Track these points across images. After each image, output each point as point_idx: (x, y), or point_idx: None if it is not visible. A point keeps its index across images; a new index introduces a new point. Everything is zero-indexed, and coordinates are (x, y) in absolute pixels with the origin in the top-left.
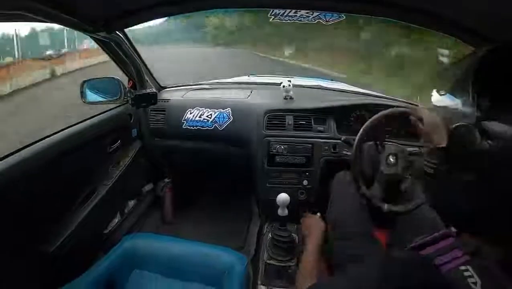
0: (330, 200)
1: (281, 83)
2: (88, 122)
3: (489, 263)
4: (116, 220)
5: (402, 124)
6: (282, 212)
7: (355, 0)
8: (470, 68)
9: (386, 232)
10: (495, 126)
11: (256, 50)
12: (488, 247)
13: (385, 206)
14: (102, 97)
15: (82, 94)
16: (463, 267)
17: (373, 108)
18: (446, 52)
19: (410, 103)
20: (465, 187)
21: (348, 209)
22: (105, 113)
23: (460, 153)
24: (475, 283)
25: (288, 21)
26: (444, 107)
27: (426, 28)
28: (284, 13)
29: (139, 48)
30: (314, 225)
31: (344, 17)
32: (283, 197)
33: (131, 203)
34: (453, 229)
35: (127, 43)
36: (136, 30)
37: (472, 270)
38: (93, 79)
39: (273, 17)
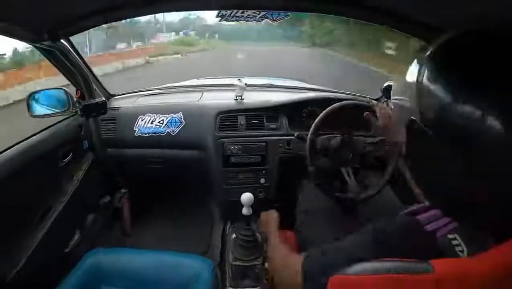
0: (297, 211)
1: (239, 80)
2: (37, 137)
3: (476, 232)
4: (76, 237)
5: (354, 116)
6: (247, 211)
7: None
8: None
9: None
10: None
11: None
12: (471, 217)
13: (363, 195)
14: (50, 109)
15: (29, 107)
16: (451, 236)
17: (323, 103)
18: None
19: (358, 96)
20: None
21: (320, 214)
22: (54, 126)
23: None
24: (462, 251)
25: (236, 21)
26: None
27: (379, 24)
28: (231, 13)
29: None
30: (269, 220)
31: (291, 16)
32: (247, 196)
33: (90, 217)
34: None
35: (73, 52)
36: (224, 26)
37: (459, 238)
38: (40, 90)
39: (220, 18)
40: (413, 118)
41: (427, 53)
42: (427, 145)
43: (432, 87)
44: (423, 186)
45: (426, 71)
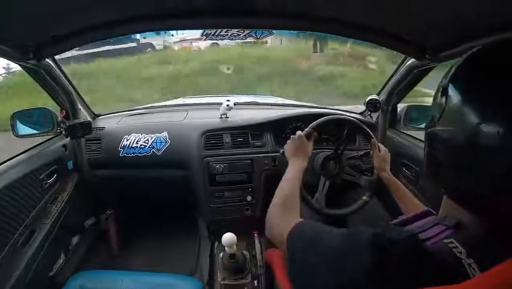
0: None
1: (228, 100)
2: (20, 157)
3: (471, 234)
4: (60, 260)
5: (338, 130)
6: (230, 250)
7: (290, 16)
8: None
9: None
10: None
11: None
12: (467, 219)
13: (330, 211)
14: (35, 129)
15: (13, 127)
16: (446, 240)
17: (308, 119)
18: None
19: (343, 111)
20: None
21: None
22: (38, 146)
23: None
24: (460, 253)
25: (221, 40)
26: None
27: (360, 40)
28: (215, 32)
29: None
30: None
31: (274, 33)
32: (227, 238)
33: (75, 240)
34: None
35: (58, 70)
36: None
37: (456, 242)
38: (24, 110)
39: (205, 37)
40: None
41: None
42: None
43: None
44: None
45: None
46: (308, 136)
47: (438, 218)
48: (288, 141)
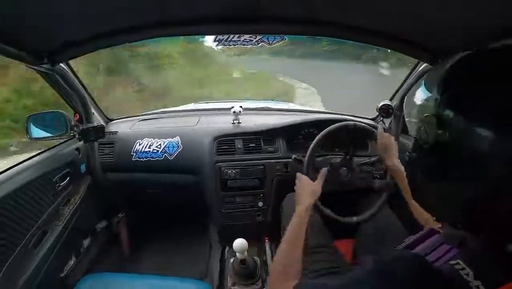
0: (283, 220)
1: (232, 107)
2: (34, 159)
3: (475, 252)
4: (71, 262)
5: (351, 137)
6: (241, 256)
7: (302, 22)
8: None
9: (348, 243)
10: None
11: None
12: (470, 236)
13: (352, 219)
14: (48, 132)
15: (27, 130)
16: (453, 262)
17: (320, 125)
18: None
19: (355, 117)
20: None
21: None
22: (51, 149)
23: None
24: (467, 275)
25: (233, 45)
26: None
27: (373, 45)
28: (228, 38)
29: None
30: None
31: (287, 39)
32: (239, 243)
33: (86, 242)
34: (437, 226)
35: (72, 75)
36: None
37: (462, 263)
38: (38, 113)
39: (217, 42)
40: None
41: (439, 76)
42: (443, 163)
43: (450, 108)
44: (434, 206)
45: (438, 94)
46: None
47: (443, 237)
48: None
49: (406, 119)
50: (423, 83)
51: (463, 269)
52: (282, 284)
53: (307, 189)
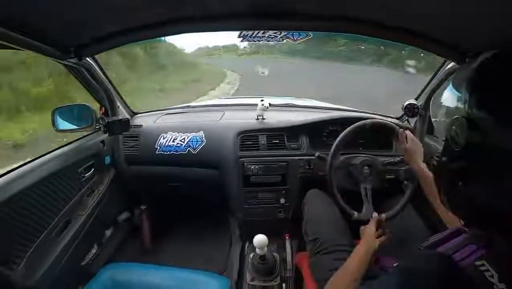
0: (304, 217)
1: (262, 101)
2: (60, 150)
3: (502, 254)
4: (93, 251)
5: (374, 135)
6: (261, 252)
7: (328, 18)
8: (461, 80)
9: None
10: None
11: None
12: (499, 238)
13: (374, 215)
14: (74, 124)
15: (54, 122)
16: (478, 262)
17: (344, 123)
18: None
19: (380, 115)
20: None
21: (325, 223)
22: (77, 141)
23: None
24: (492, 276)
25: (257, 41)
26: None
27: (399, 42)
28: (252, 34)
29: None
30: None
31: (312, 35)
32: (259, 239)
33: (108, 232)
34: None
35: (98, 69)
36: None
37: (487, 264)
38: (64, 106)
39: (242, 38)
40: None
41: (467, 75)
42: (469, 165)
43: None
44: (464, 210)
45: (467, 94)
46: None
47: (469, 236)
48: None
49: (433, 120)
50: (450, 83)
51: (487, 270)
52: None
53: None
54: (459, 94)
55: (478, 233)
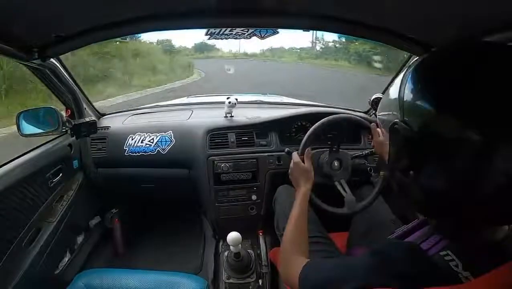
0: (276, 212)
1: (228, 98)
2: (26, 156)
3: (466, 244)
4: (66, 259)
5: (343, 130)
6: (235, 249)
7: (295, 15)
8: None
9: (342, 236)
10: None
11: None
12: (459, 227)
13: (344, 210)
14: (40, 128)
15: (18, 127)
16: (443, 252)
17: (313, 118)
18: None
19: (347, 110)
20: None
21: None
22: (43, 146)
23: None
24: (456, 266)
25: (224, 39)
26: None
27: (363, 39)
28: (220, 31)
29: None
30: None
31: (279, 32)
32: (232, 237)
33: (80, 238)
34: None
35: (63, 70)
36: None
37: (452, 254)
38: (29, 110)
39: (209, 36)
40: (397, 127)
41: (412, 68)
42: (414, 156)
43: (417, 99)
44: (413, 199)
45: (410, 85)
46: (304, 156)
47: (432, 227)
48: (290, 168)
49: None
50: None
51: (452, 260)
52: (295, 256)
53: (304, 174)
54: (403, 84)
55: (440, 224)
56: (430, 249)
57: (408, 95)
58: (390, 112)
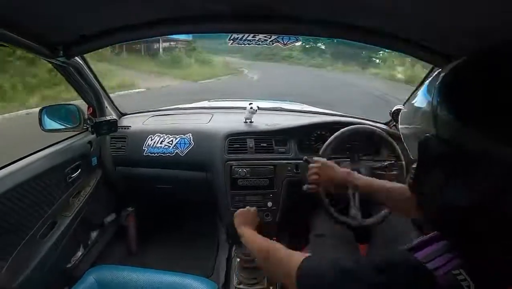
0: (311, 235)
1: (251, 104)
2: (46, 150)
3: (479, 263)
4: (79, 253)
5: (363, 141)
6: None
7: (315, 23)
8: (433, 84)
9: (363, 248)
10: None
11: None
12: (474, 246)
13: (357, 221)
14: (61, 124)
15: (40, 122)
16: (456, 271)
17: (332, 127)
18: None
19: (368, 120)
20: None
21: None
22: (64, 141)
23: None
24: (468, 287)
25: (247, 44)
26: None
27: (387, 49)
28: (242, 37)
29: None
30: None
31: (301, 40)
32: None
33: (94, 234)
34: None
35: (87, 69)
36: None
37: (464, 274)
38: (52, 106)
39: (231, 41)
40: (427, 140)
41: (439, 80)
42: (438, 170)
43: (445, 111)
44: (429, 213)
45: (438, 97)
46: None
47: (448, 244)
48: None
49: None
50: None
51: (464, 280)
52: (280, 263)
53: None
54: (429, 97)
55: (456, 242)
56: (440, 268)
57: (441, 109)
58: (419, 126)
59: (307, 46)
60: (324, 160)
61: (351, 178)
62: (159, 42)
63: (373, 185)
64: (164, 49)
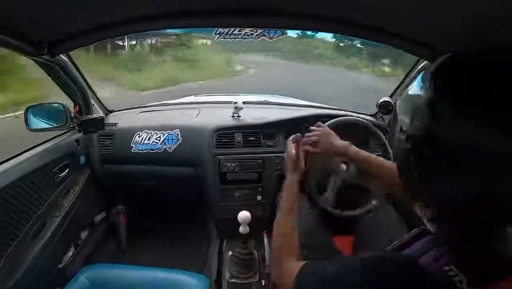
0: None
1: (236, 103)
2: (34, 150)
3: (469, 258)
4: (70, 253)
5: (351, 132)
6: (244, 229)
7: (309, 17)
8: (426, 78)
9: (348, 239)
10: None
11: None
12: (461, 238)
13: (340, 212)
14: (48, 123)
15: (26, 121)
16: (446, 267)
17: (320, 120)
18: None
19: (355, 112)
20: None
21: (302, 223)
22: (51, 141)
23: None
24: (460, 282)
25: (233, 39)
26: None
27: (375, 42)
28: (228, 31)
29: None
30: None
31: (288, 33)
32: (244, 214)
33: (84, 233)
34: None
35: (72, 66)
36: None
37: (455, 269)
38: (38, 104)
39: (217, 36)
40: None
41: (430, 72)
42: (431, 160)
43: (437, 104)
44: (424, 204)
45: (429, 89)
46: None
47: (433, 239)
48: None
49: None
50: (419, 78)
51: (456, 275)
52: (286, 257)
53: (291, 163)
54: (422, 88)
55: (441, 235)
56: (431, 263)
57: (432, 102)
58: (410, 117)
59: (341, 44)
60: (327, 128)
61: (350, 149)
62: (125, 39)
63: (371, 159)
64: (131, 46)
